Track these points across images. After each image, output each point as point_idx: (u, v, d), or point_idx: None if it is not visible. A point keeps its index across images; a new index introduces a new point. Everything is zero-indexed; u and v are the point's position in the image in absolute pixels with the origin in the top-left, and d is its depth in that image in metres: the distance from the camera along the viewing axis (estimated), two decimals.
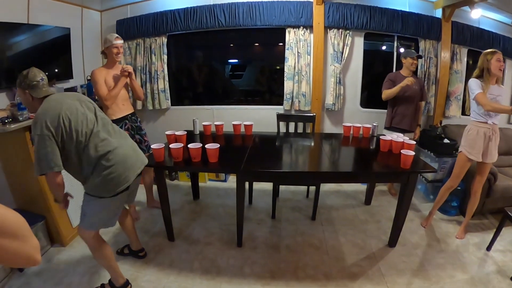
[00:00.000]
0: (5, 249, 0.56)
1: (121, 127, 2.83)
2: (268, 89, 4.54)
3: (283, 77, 3.94)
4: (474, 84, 2.52)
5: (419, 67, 3.89)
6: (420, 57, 3.37)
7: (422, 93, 3.40)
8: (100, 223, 2.00)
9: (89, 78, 3.38)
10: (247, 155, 2.62)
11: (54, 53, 3.26)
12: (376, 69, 4.27)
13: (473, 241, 2.79)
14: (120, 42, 2.76)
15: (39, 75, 1.83)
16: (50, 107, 1.74)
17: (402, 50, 3.99)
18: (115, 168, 1.86)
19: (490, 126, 2.57)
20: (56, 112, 1.72)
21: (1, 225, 0.54)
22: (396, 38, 3.98)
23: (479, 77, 2.57)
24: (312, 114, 3.53)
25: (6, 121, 2.32)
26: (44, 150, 1.68)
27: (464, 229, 2.88)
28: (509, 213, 2.45)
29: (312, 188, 3.56)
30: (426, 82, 3.90)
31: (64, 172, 1.83)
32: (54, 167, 1.70)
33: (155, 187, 3.71)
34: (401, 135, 2.86)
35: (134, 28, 3.90)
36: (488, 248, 2.65)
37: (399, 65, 3.61)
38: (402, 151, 2.36)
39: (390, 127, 3.40)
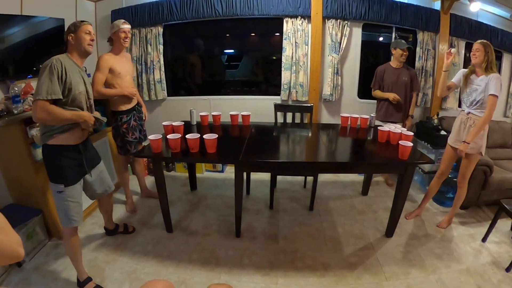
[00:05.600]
0: None
1: (130, 119, 2.84)
2: (265, 79, 4.51)
3: (280, 67, 3.90)
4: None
5: (416, 59, 3.89)
6: (410, 48, 3.36)
7: (413, 84, 3.40)
8: None
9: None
10: (245, 146, 2.61)
11: (49, 44, 3.16)
12: (374, 60, 4.25)
13: (468, 232, 2.82)
14: (127, 26, 2.67)
15: None
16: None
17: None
18: None
19: (466, 115, 2.57)
20: None
21: None
22: (394, 29, 3.96)
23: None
24: (309, 105, 3.52)
25: (1, 114, 2.28)
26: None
27: (448, 220, 2.89)
28: (505, 205, 2.48)
29: (310, 178, 3.58)
30: (423, 74, 3.90)
31: None
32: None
33: (150, 178, 3.72)
34: (399, 126, 2.86)
35: (129, 18, 3.81)
36: (484, 239, 2.68)
37: None
38: (400, 142, 2.36)
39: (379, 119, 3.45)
